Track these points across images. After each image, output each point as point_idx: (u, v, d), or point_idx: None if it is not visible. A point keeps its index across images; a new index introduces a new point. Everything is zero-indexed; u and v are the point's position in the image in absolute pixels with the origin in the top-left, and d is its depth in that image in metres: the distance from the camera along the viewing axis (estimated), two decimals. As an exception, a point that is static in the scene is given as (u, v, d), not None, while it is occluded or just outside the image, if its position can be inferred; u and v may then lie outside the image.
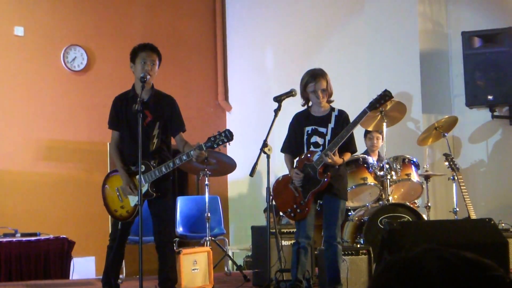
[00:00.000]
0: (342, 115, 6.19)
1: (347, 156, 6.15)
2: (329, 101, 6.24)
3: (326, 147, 6.03)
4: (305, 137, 6.19)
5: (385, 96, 6.11)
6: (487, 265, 1.30)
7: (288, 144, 6.34)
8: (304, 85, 6.19)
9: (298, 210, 6.16)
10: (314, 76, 6.15)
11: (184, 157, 5.92)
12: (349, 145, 6.15)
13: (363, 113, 6.05)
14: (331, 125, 6.13)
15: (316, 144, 6.15)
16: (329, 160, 5.91)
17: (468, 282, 1.27)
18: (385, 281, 1.33)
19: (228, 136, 5.87)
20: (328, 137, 6.09)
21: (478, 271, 1.29)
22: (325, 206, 6.16)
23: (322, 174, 6.02)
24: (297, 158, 6.29)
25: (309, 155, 6.10)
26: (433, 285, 1.27)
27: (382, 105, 6.29)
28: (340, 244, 6.15)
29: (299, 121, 6.30)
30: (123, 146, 6.27)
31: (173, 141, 6.33)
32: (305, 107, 6.32)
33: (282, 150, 6.37)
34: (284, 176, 6.38)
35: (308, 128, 6.20)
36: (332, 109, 6.22)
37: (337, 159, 5.98)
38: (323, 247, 6.38)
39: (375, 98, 6.12)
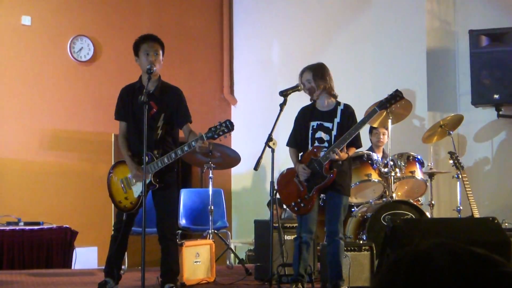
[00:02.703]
0: (347, 109, 6.18)
1: (352, 151, 6.15)
2: (333, 96, 6.24)
3: (332, 142, 6.03)
4: (310, 132, 6.19)
5: (396, 96, 6.09)
6: (497, 261, 1.30)
7: (294, 138, 6.34)
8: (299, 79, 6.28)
9: (302, 204, 6.16)
10: (303, 69, 6.29)
11: (186, 148, 5.93)
12: (355, 140, 6.14)
13: (373, 112, 6.06)
14: (337, 120, 6.12)
15: (320, 140, 6.14)
16: (337, 157, 5.91)
17: (478, 278, 1.27)
18: (394, 275, 1.33)
19: (229, 126, 5.87)
20: (334, 132, 6.09)
21: (488, 267, 1.29)
22: (328, 201, 6.17)
23: (328, 170, 6.02)
24: (302, 153, 6.30)
25: (315, 150, 6.10)
26: (443, 280, 1.27)
27: (393, 105, 6.27)
28: (343, 240, 6.15)
29: (304, 116, 6.30)
30: (128, 136, 6.29)
31: (181, 133, 6.34)
32: (312, 101, 6.33)
33: (288, 144, 6.38)
34: (289, 169, 6.37)
35: (314, 123, 6.19)
36: (338, 103, 6.22)
37: (343, 155, 5.99)
38: (325, 242, 6.38)
39: (386, 98, 6.11)
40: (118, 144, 6.52)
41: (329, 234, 6.16)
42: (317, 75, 6.16)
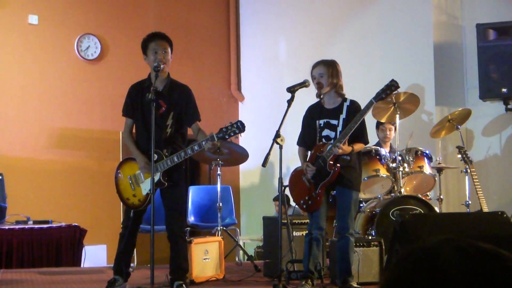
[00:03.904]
0: (353, 105, 6.16)
1: (358, 146, 6.11)
2: (340, 94, 6.22)
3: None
4: (318, 130, 6.18)
5: (391, 86, 6.03)
6: (505, 256, 1.29)
7: (302, 137, 6.35)
8: (310, 71, 6.25)
9: (310, 202, 6.16)
10: (317, 62, 6.22)
11: (196, 147, 5.93)
12: (360, 136, 6.12)
13: (370, 104, 6.01)
14: (342, 116, 6.11)
15: (327, 138, 6.13)
16: (340, 151, 5.90)
17: (486, 273, 1.26)
18: (402, 271, 1.33)
19: (240, 127, 5.87)
20: (339, 129, 6.07)
21: (496, 262, 1.28)
22: (338, 197, 6.17)
23: (332, 165, 6.01)
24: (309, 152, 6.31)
25: (321, 148, 6.09)
26: (451, 276, 1.26)
27: (389, 95, 6.21)
28: (353, 236, 6.14)
29: (311, 114, 6.29)
30: (136, 135, 6.30)
31: (190, 131, 6.35)
32: (318, 98, 6.31)
33: (298, 143, 6.38)
34: (299, 168, 6.38)
35: (321, 122, 6.19)
36: (344, 100, 6.20)
37: (346, 148, 5.96)
38: (335, 239, 6.37)
39: (381, 89, 6.05)
40: (124, 141, 6.54)
41: (339, 230, 6.16)
42: (330, 71, 6.14)
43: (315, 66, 6.22)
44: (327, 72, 6.13)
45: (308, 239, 6.17)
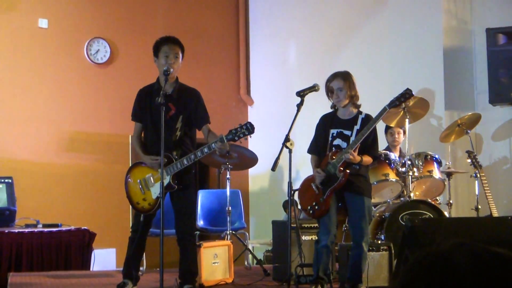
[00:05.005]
0: (368, 119, 6.11)
1: (367, 158, 6.07)
2: (356, 105, 6.20)
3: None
4: (330, 139, 6.16)
5: (406, 94, 6.09)
6: (518, 261, 1.30)
7: (315, 145, 6.32)
8: (326, 84, 6.20)
9: (317, 207, 6.14)
10: (333, 75, 6.16)
11: (206, 150, 5.93)
12: (371, 149, 6.10)
13: (383, 110, 6.02)
14: (356, 127, 6.08)
15: (338, 147, 6.11)
16: (351, 157, 5.88)
17: (499, 277, 1.26)
18: (416, 276, 1.33)
19: (249, 128, 5.87)
20: (352, 138, 6.05)
21: (510, 267, 1.28)
22: (349, 204, 6.13)
23: (342, 171, 5.99)
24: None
25: (334, 155, 6.07)
26: (463, 280, 1.26)
27: (402, 103, 6.28)
28: (367, 244, 6.10)
29: (325, 123, 6.27)
30: (145, 138, 6.31)
31: (199, 134, 6.35)
32: (333, 109, 6.29)
33: (309, 151, 6.36)
34: (310, 176, 6.37)
35: (334, 131, 6.16)
36: (360, 112, 6.18)
37: (357, 157, 5.95)
38: (344, 243, 6.35)
39: (396, 96, 6.10)
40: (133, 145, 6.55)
41: (355, 238, 6.11)
42: (348, 84, 6.11)
43: (331, 79, 6.16)
44: (345, 85, 6.10)
45: (317, 247, 6.17)
